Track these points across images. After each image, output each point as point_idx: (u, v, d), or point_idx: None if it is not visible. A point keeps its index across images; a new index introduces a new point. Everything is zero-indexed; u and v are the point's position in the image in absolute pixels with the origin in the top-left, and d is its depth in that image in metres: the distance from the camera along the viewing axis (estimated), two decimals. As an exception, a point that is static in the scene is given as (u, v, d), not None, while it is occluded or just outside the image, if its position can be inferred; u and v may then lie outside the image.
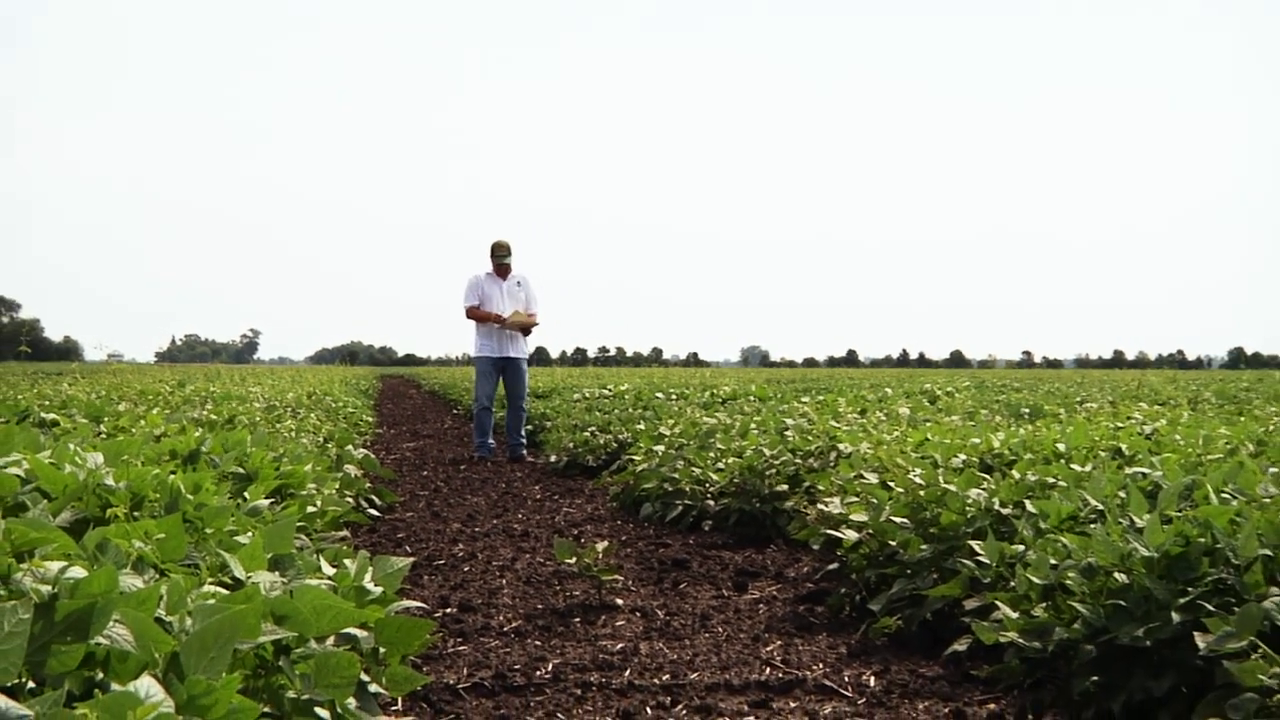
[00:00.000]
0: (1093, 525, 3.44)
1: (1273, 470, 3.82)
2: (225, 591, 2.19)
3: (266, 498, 3.85)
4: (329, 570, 2.59)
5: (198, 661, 1.77)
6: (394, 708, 3.02)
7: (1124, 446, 5.15)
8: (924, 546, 3.87)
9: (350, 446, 7.49)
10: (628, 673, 3.41)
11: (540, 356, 59.19)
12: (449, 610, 4.20)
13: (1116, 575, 2.87)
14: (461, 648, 3.70)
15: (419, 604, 3.55)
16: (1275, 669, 2.33)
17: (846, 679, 3.35)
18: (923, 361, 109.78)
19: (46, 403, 7.64)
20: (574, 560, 4.38)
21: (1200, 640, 2.52)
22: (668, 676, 3.38)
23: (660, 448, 7.32)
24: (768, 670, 3.45)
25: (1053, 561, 3.09)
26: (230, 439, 4.81)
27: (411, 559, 2.93)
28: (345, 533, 4.87)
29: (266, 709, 2.02)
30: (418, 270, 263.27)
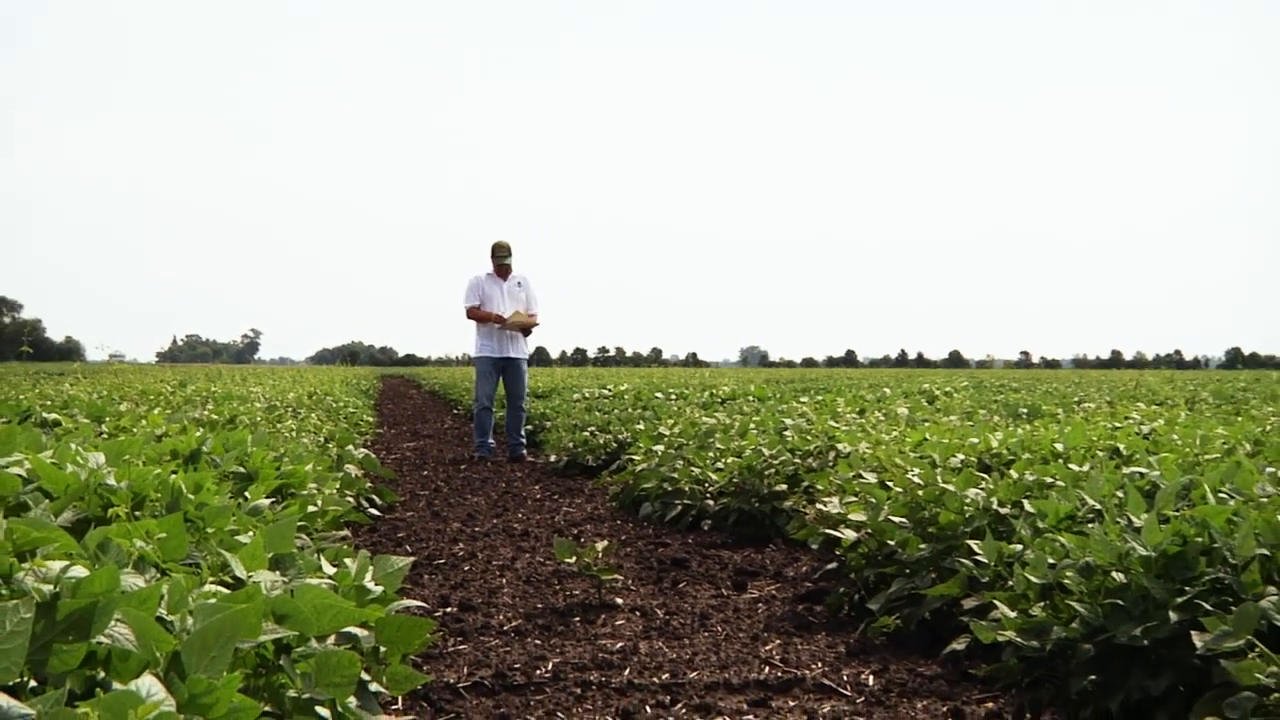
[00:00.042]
0: (1090, 525, 3.44)
1: (1270, 470, 3.83)
2: (226, 591, 2.19)
3: (267, 497, 3.86)
4: (329, 569, 2.59)
5: (199, 660, 1.78)
6: (394, 707, 3.02)
7: (1122, 446, 5.16)
8: (922, 546, 3.88)
9: (351, 446, 7.49)
10: (627, 672, 3.42)
11: (540, 357, 59.27)
12: (449, 609, 4.21)
13: (1114, 575, 2.88)
14: (462, 647, 3.71)
15: (419, 603, 3.55)
16: (1272, 668, 2.34)
17: (845, 678, 3.36)
18: (921, 361, 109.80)
19: (48, 403, 7.64)
20: (574, 559, 4.39)
21: (1197, 639, 2.53)
22: (667, 675, 3.39)
23: (660, 448, 7.33)
24: (767, 669, 3.46)
25: (1051, 561, 3.09)
26: (231, 439, 4.82)
27: (412, 558, 2.94)
28: (346, 532, 4.88)
29: (267, 708, 2.03)
30: (418, 270, 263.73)
